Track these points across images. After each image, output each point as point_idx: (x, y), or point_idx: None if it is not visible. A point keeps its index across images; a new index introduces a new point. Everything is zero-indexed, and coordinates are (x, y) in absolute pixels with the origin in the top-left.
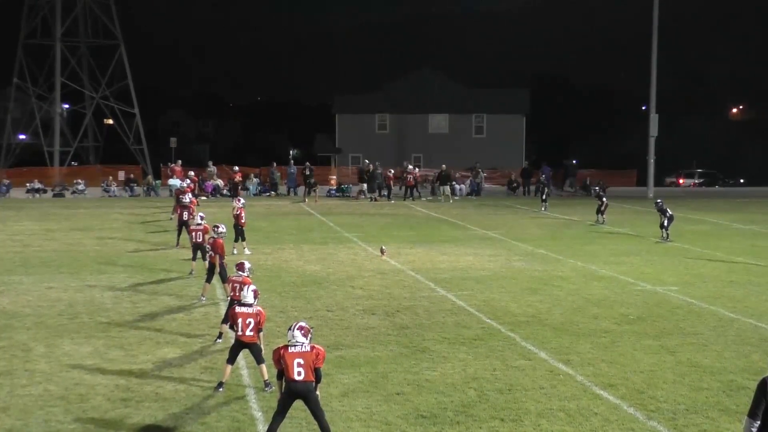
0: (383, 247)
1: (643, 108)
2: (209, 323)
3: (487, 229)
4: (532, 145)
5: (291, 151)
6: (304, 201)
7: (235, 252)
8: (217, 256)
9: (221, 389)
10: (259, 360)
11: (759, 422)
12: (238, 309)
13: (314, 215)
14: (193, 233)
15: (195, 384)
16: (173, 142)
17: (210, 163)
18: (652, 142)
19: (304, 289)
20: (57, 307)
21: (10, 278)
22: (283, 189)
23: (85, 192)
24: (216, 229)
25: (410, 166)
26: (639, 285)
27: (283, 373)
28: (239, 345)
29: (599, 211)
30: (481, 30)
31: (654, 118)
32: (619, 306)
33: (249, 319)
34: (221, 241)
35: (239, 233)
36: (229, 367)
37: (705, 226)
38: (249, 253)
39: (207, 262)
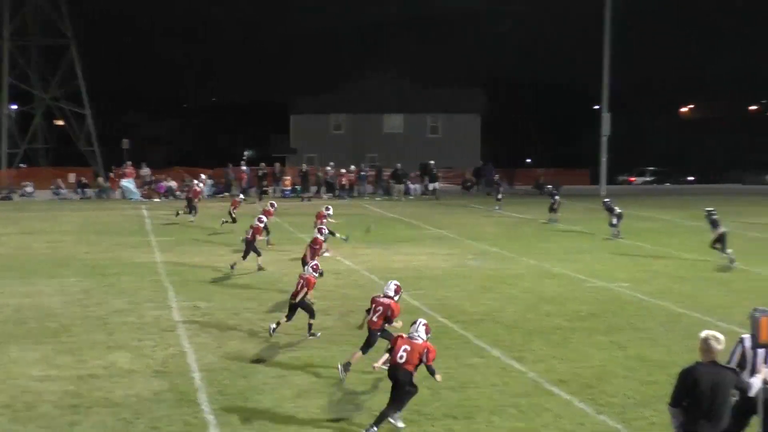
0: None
1: (596, 107)
2: (160, 326)
3: (442, 228)
4: (487, 145)
5: (245, 152)
6: (257, 202)
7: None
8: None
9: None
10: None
11: (678, 409)
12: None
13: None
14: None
15: (146, 388)
16: (125, 143)
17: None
18: (604, 141)
19: (258, 290)
20: (3, 312)
21: None
22: (235, 189)
23: (34, 194)
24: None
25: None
26: (591, 282)
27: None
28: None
29: (552, 209)
30: (436, 30)
31: (606, 117)
32: (572, 303)
33: (379, 308)
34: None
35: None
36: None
37: (656, 224)
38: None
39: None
